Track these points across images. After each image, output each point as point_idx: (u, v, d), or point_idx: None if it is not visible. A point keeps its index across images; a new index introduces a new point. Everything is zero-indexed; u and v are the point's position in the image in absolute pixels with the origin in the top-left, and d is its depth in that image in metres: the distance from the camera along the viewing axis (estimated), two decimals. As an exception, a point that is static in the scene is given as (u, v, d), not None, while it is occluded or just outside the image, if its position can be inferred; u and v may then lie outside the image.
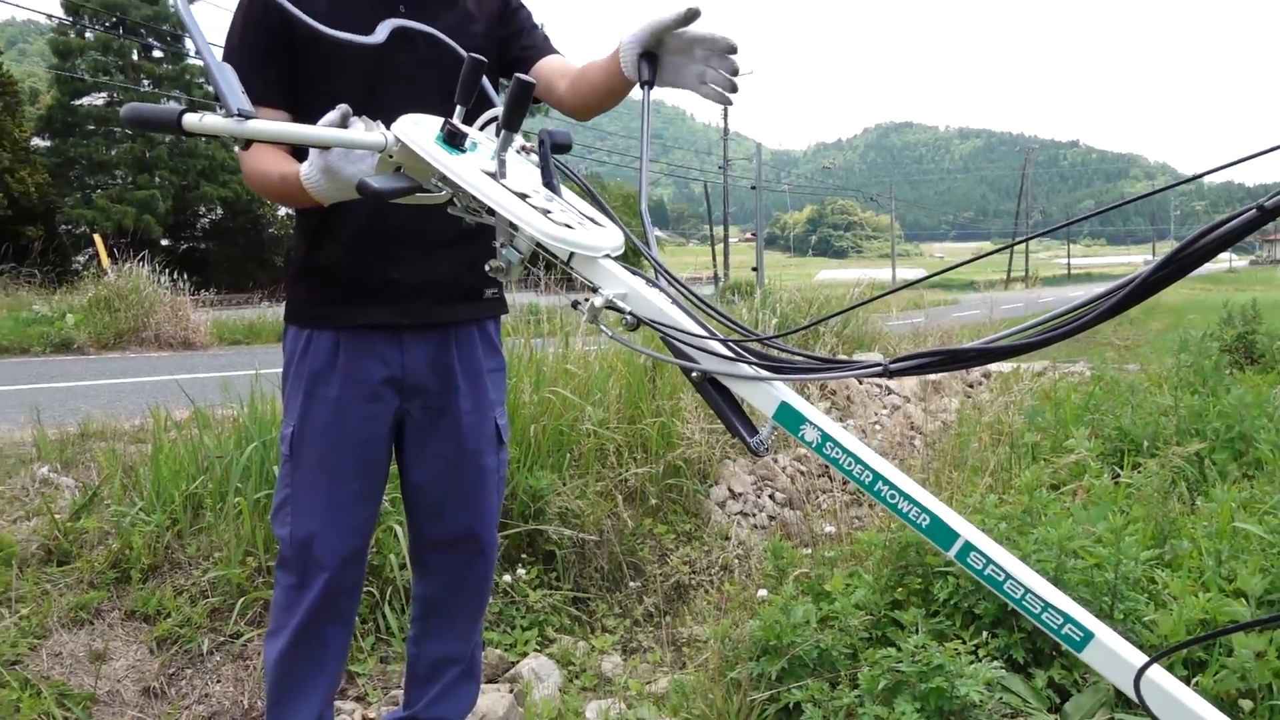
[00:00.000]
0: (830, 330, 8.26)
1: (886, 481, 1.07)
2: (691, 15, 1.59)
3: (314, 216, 1.91)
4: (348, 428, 1.95)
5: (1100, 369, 6.37)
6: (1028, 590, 1.02)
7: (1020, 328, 1.03)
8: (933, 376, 7.86)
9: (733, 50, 1.62)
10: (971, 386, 7.96)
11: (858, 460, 1.09)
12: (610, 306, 1.21)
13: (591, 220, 1.37)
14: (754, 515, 4.89)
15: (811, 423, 1.12)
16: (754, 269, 32.72)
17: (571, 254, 1.25)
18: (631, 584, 3.82)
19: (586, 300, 1.22)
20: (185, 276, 13.51)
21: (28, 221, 29.08)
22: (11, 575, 2.93)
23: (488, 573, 2.21)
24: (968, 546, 1.03)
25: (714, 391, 1.20)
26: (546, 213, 1.27)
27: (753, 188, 39.37)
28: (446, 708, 2.24)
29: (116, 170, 33.94)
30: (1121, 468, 3.72)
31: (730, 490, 4.89)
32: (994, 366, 8.25)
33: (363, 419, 1.96)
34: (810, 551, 3.22)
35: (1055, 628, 1.01)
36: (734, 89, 1.67)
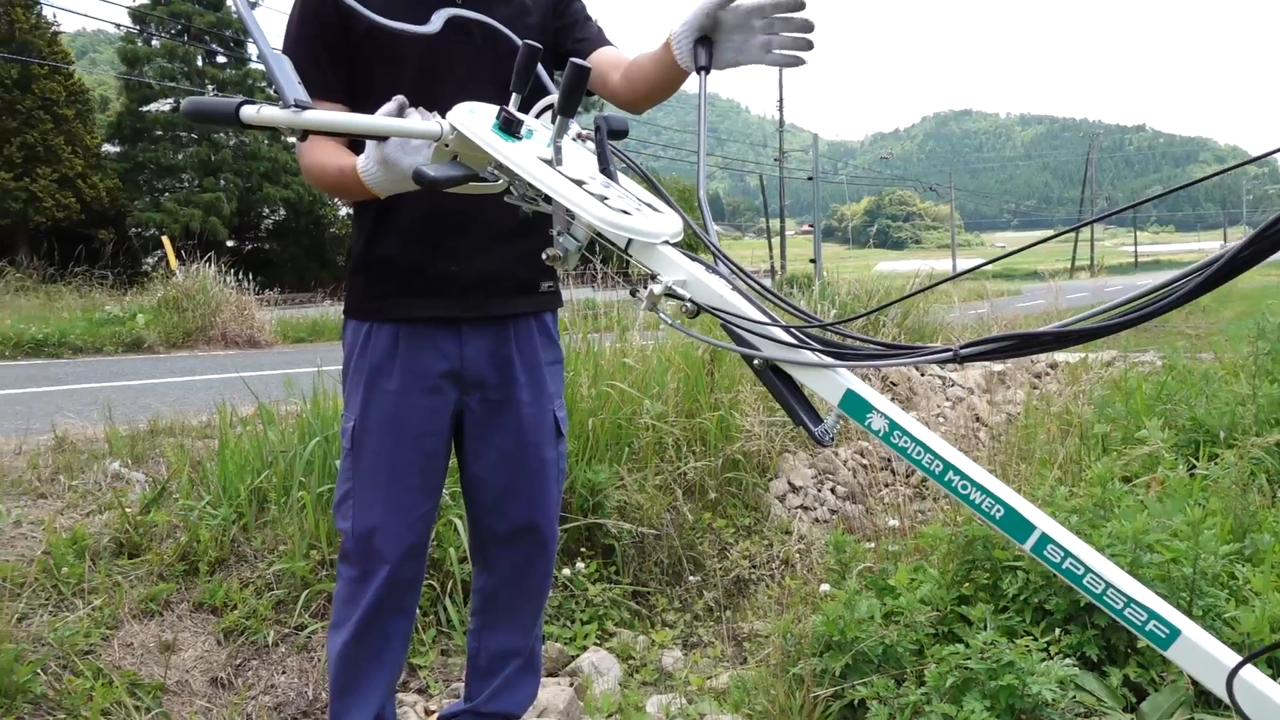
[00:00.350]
0: (892, 321, 8.14)
1: (958, 471, 1.03)
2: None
3: (371, 210, 1.92)
4: (408, 421, 1.95)
5: (1172, 358, 6.18)
6: (1109, 585, 0.97)
7: (1096, 310, 0.98)
8: (997, 367, 7.71)
9: (797, 6, 1.53)
10: (1038, 378, 7.79)
11: (927, 449, 1.05)
12: (669, 294, 1.19)
13: (649, 206, 1.35)
14: (814, 509, 4.84)
15: (879, 411, 1.08)
16: (811, 261, 32.43)
17: (629, 240, 1.23)
18: (691, 578, 3.80)
19: (645, 288, 1.19)
20: (250, 276, 13.77)
21: (99, 225, 29.94)
22: (84, 567, 3.00)
23: (548, 566, 2.21)
24: (1044, 539, 0.99)
25: (777, 380, 1.17)
26: (603, 199, 1.25)
27: (809, 179, 39.03)
28: (507, 701, 2.24)
29: (183, 174, 34.75)
30: (1197, 459, 3.60)
31: (790, 484, 4.83)
32: (1060, 357, 8.07)
33: (422, 412, 1.96)
34: (873, 545, 3.16)
35: (1139, 624, 0.96)
36: (808, 45, 1.57)
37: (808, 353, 1.15)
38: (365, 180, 1.57)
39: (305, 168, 1.82)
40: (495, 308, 1.99)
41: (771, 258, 40.06)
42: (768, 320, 1.18)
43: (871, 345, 1.15)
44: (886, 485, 4.87)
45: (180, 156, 34.55)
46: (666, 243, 1.25)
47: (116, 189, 31.58)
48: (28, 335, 10.95)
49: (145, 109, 34.63)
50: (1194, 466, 3.47)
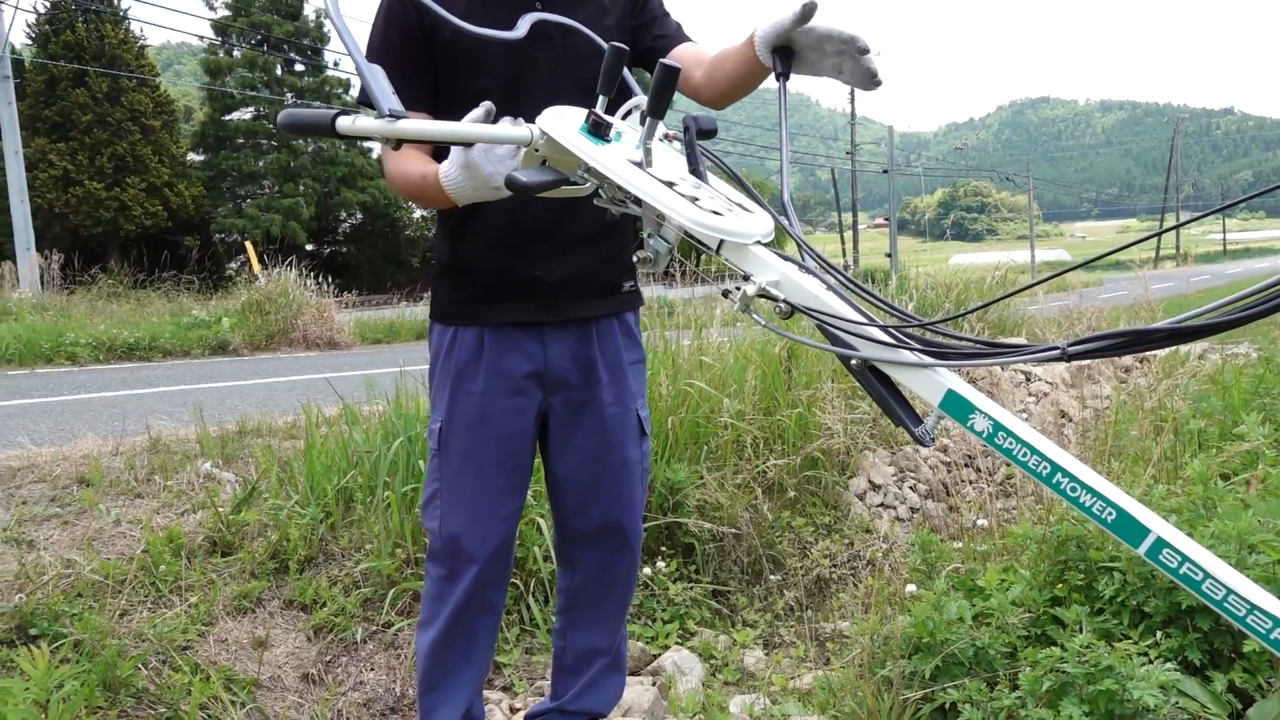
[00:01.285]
0: (976, 316, 7.99)
1: (1066, 473, 1.00)
2: (808, 11, 1.53)
3: (456, 216, 1.94)
4: (493, 422, 1.97)
5: (1269, 350, 5.94)
6: (1230, 591, 0.93)
7: (1214, 305, 0.94)
8: (1083, 362, 7.51)
9: (864, 51, 1.56)
10: (1126, 372, 7.57)
11: (1034, 451, 1.02)
12: (763, 294, 1.18)
13: (740, 206, 1.33)
14: (895, 507, 4.77)
15: (982, 411, 1.05)
16: (887, 255, 31.99)
17: (721, 241, 1.22)
18: (772, 577, 3.77)
19: (738, 289, 1.18)
20: (329, 279, 14.06)
21: (186, 232, 30.89)
22: (180, 565, 3.09)
23: (634, 564, 2.21)
24: (1160, 543, 0.95)
25: (875, 380, 1.15)
26: (694, 200, 1.24)
27: (884, 171, 38.51)
28: (594, 699, 2.25)
29: (264, 180, 35.66)
30: (1300, 456, 3.45)
31: (870, 482, 4.77)
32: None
33: (507, 413, 1.97)
34: (960, 545, 3.09)
35: (1264, 632, 0.92)
36: (875, 82, 1.60)
37: (906, 353, 1.13)
38: (446, 187, 1.59)
39: (389, 174, 1.84)
40: (578, 310, 2.00)
41: (844, 252, 39.62)
42: (864, 320, 1.16)
43: (971, 344, 1.12)
44: (970, 483, 4.78)
45: (261, 163, 35.46)
46: (759, 243, 1.23)
47: (201, 196, 32.54)
48: (120, 340, 11.33)
49: (227, 118, 35.64)
50: (1297, 463, 3.33)
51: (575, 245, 1.97)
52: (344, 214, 38.41)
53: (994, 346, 1.09)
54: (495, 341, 1.96)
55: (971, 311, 1.28)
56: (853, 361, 1.16)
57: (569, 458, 2.06)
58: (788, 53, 1.61)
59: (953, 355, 1.11)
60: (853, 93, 41.56)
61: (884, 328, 1.15)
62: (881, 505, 4.70)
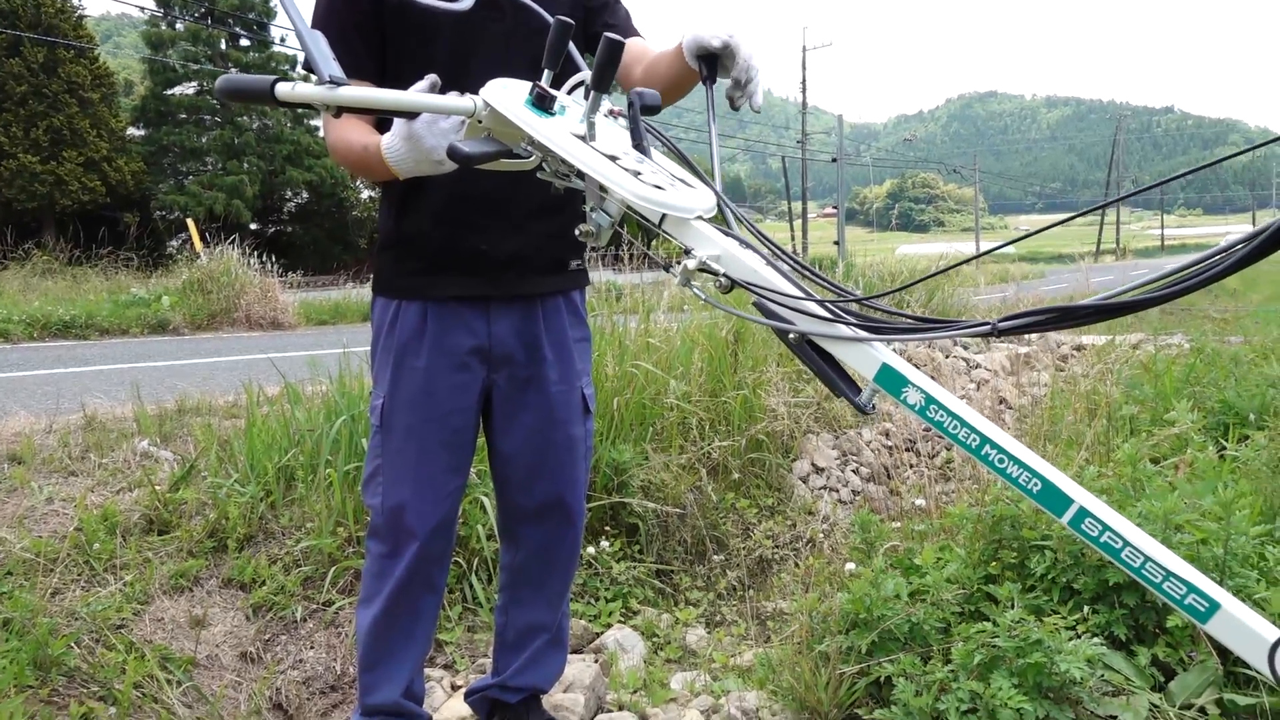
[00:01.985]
0: (917, 303, 8.11)
1: (995, 445, 1.02)
2: (732, 48, 1.62)
3: (400, 189, 1.92)
4: (436, 398, 1.96)
5: (1200, 341, 6.12)
6: (1148, 558, 0.96)
7: (1134, 285, 0.97)
8: (1022, 349, 7.66)
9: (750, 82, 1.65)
10: (1063, 360, 7.73)
11: (964, 424, 1.04)
12: (704, 269, 1.19)
13: (682, 182, 1.34)
14: (838, 490, 4.83)
15: (914, 385, 1.07)
16: (835, 243, 32.29)
17: (663, 216, 1.23)
18: (715, 557, 3.81)
19: (679, 263, 1.19)
20: (273, 259, 13.84)
21: (125, 208, 30.18)
22: (115, 544, 3.04)
23: (576, 542, 2.22)
24: (1083, 512, 0.98)
25: (813, 353, 1.16)
26: (637, 175, 1.25)
27: (833, 160, 38.80)
28: (535, 675, 2.26)
29: (207, 157, 34.93)
30: (1226, 441, 3.56)
31: (813, 464, 4.83)
32: (1086, 339, 8.01)
33: (451, 389, 1.97)
34: (899, 525, 3.15)
35: (1178, 598, 0.96)
36: (753, 107, 1.69)
37: (842, 327, 1.15)
38: (388, 158, 1.58)
39: (331, 144, 1.82)
40: (525, 287, 2.00)
41: (793, 240, 39.88)
42: (803, 295, 1.18)
43: (907, 319, 1.14)
44: (911, 466, 4.86)
45: (204, 140, 34.73)
46: (700, 218, 1.25)
47: (141, 172, 31.79)
48: (55, 317, 11.07)
49: (169, 92, 34.81)
50: (1223, 448, 3.44)
51: (524, 220, 1.96)
52: (289, 193, 37.79)
53: (927, 322, 1.11)
54: (439, 316, 1.95)
55: (906, 287, 1.32)
56: (791, 336, 1.18)
57: (513, 435, 2.06)
58: (712, 59, 1.66)
59: (888, 330, 1.14)
60: (804, 82, 41.78)
61: (822, 303, 1.17)
62: (824, 488, 4.76)
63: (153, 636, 2.73)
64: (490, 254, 1.94)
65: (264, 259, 13.41)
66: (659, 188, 1.25)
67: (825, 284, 1.28)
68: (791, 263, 1.27)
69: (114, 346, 10.33)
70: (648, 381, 4.13)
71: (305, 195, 37.83)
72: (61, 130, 28.56)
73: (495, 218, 1.93)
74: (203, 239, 14.75)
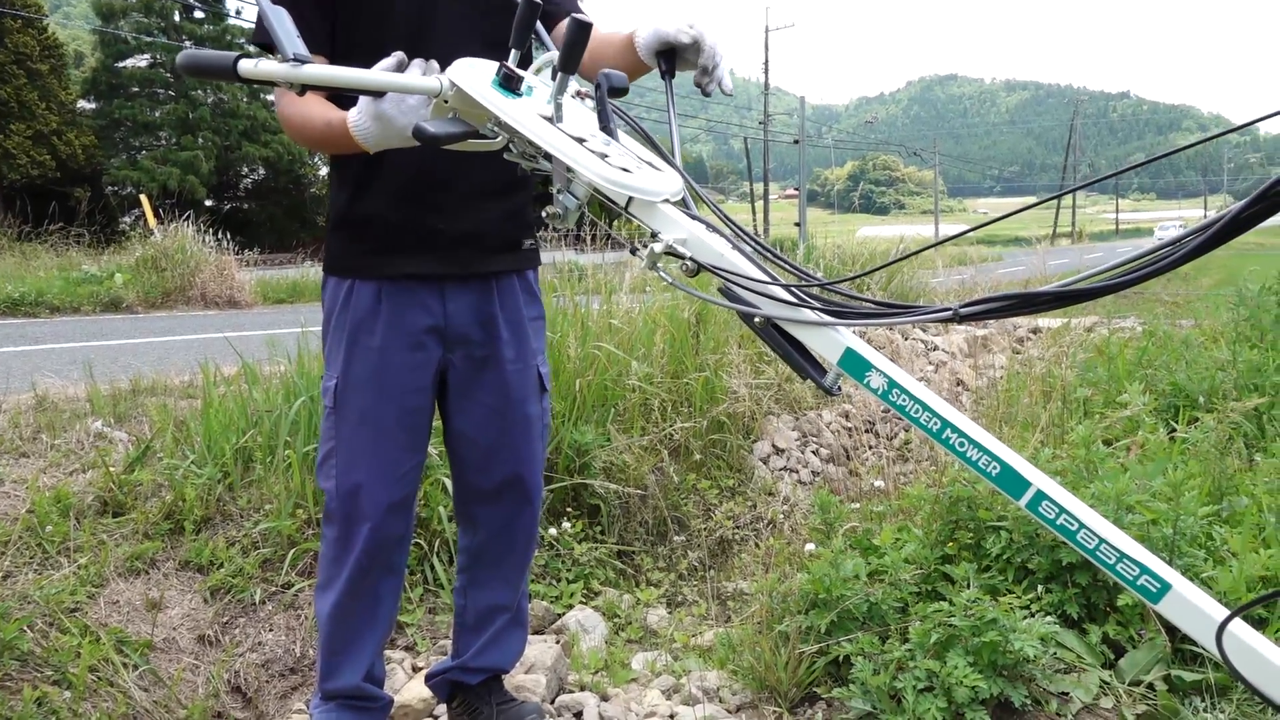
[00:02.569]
0: (877, 285, 8.17)
1: (954, 429, 1.04)
2: (694, 44, 1.62)
3: (354, 165, 1.90)
4: (392, 377, 1.95)
5: (1152, 324, 6.23)
6: (1102, 540, 0.99)
7: (1095, 271, 0.99)
8: (980, 332, 7.75)
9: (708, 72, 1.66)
10: (1020, 343, 7.84)
11: (925, 407, 1.06)
12: (670, 252, 1.19)
13: (649, 165, 1.34)
14: (798, 471, 4.87)
15: (877, 369, 1.09)
16: (796, 224, 32.41)
17: (630, 199, 1.23)
18: (676, 538, 3.83)
19: (645, 245, 1.19)
20: (229, 236, 13.63)
21: (75, 183, 29.50)
22: (69, 526, 2.99)
23: (533, 521, 2.21)
24: (1040, 495, 1.00)
25: (779, 337, 1.17)
26: (604, 157, 1.24)
27: (795, 142, 38.88)
28: (496, 655, 2.25)
29: (160, 131, 34.26)
30: (1177, 423, 3.64)
31: (774, 446, 4.86)
32: (1042, 322, 8.12)
33: (406, 368, 1.95)
34: (858, 506, 3.19)
35: (1131, 579, 0.98)
36: (724, 91, 1.71)
37: (807, 311, 1.16)
38: (356, 134, 1.56)
39: (285, 119, 1.79)
40: (479, 265, 1.98)
41: (755, 222, 39.98)
42: (768, 279, 1.18)
43: (869, 304, 1.16)
44: (870, 448, 4.91)
45: (157, 114, 34.05)
46: (667, 201, 1.25)
47: (92, 146, 31.11)
48: (4, 294, 10.83)
49: (121, 64, 34.06)
50: (1174, 430, 3.51)
51: (478, 199, 1.95)
52: (246, 169, 37.19)
53: (890, 307, 1.12)
54: (394, 295, 1.94)
55: (871, 272, 1.34)
56: (756, 319, 1.18)
57: (470, 414, 2.05)
58: (671, 53, 1.66)
59: (851, 315, 1.15)
60: (767, 63, 41.80)
61: (786, 287, 1.18)
62: (784, 469, 4.80)
63: (108, 620, 2.70)
64: (445, 232, 1.93)
65: (220, 236, 13.20)
66: (626, 170, 1.25)
67: (788, 267, 1.29)
68: (756, 246, 1.28)
69: (65, 324, 10.14)
70: (610, 363, 4.14)
71: (262, 172, 37.25)
72: (9, 102, 27.85)
73: (450, 196, 1.92)
74: (156, 215, 14.48)
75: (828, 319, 1.15)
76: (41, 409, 4.22)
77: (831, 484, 4.61)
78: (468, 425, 2.07)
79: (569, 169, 1.24)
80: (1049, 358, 5.23)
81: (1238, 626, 0.96)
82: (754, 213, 41.20)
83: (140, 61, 34.25)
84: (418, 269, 1.93)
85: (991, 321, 8.46)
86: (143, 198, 16.64)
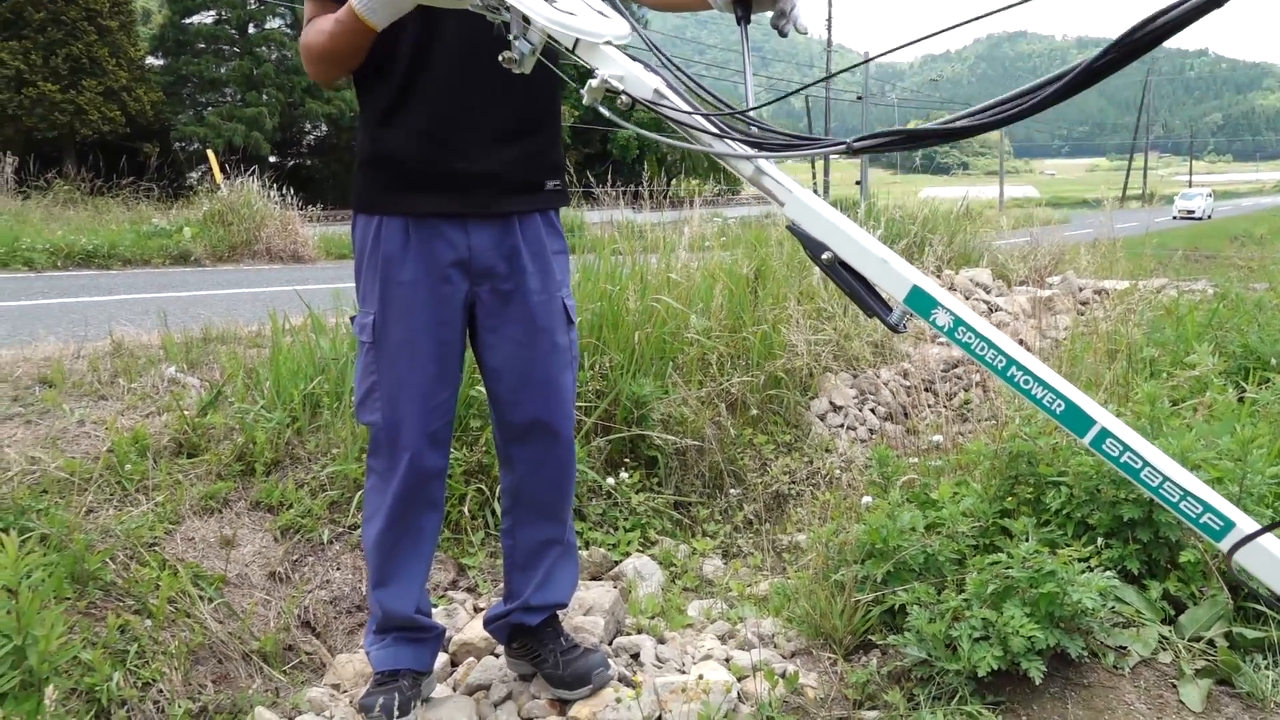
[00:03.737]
0: (940, 242, 8.08)
1: (1020, 367, 1.04)
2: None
3: (377, 108, 1.99)
4: (423, 310, 2.01)
5: (1225, 286, 6.07)
6: (1166, 478, 0.99)
7: (972, 110, 1.10)
8: (1043, 293, 7.62)
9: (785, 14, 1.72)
10: (1084, 305, 7.70)
11: (991, 345, 1.06)
12: (607, 87, 1.32)
13: (598, 12, 1.47)
14: (855, 428, 4.86)
15: (944, 307, 1.09)
16: (857, 183, 31.93)
17: (577, 41, 1.35)
18: (732, 491, 3.86)
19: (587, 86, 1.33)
20: (292, 192, 13.82)
21: (144, 138, 30.06)
22: (147, 465, 3.10)
23: (566, 453, 2.21)
24: (1104, 433, 1.00)
25: (845, 274, 1.20)
26: (552, 2, 1.38)
27: (858, 99, 38.20)
28: (553, 591, 2.28)
29: (226, 88, 34.73)
30: (1246, 385, 3.56)
31: (831, 403, 4.86)
32: (1108, 283, 7.95)
33: (436, 301, 2.01)
34: (915, 462, 3.18)
35: (1194, 516, 0.98)
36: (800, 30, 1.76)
37: (732, 143, 1.31)
38: (361, 11, 1.70)
39: (306, 47, 1.90)
40: (498, 205, 2.03)
41: (814, 181, 39.46)
42: (693, 110, 1.33)
43: (779, 136, 1.29)
44: (929, 406, 4.88)
45: (223, 70, 34.49)
46: (610, 44, 1.37)
47: (160, 102, 31.65)
48: (78, 246, 11.13)
49: (188, 21, 34.50)
50: (1243, 392, 3.44)
51: (498, 141, 2.00)
52: (308, 125, 37.59)
53: (795, 138, 1.28)
54: (420, 231, 2.00)
55: (775, 101, 1.49)
56: (824, 256, 1.20)
57: (499, 348, 2.09)
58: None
59: (767, 146, 1.30)
60: (830, 20, 41.01)
61: (708, 117, 1.32)
62: (842, 426, 4.79)
63: (184, 555, 2.81)
64: (464, 172, 1.98)
65: (283, 191, 13.39)
66: (571, 14, 1.37)
67: (715, 100, 1.42)
68: (694, 87, 1.42)
69: (137, 276, 10.41)
70: (669, 316, 4.15)
71: (324, 128, 37.62)
72: (80, 58, 28.40)
73: (470, 137, 1.98)
74: (223, 170, 14.73)
75: (748, 150, 1.29)
76: (118, 355, 4.36)
77: (889, 441, 4.60)
78: (498, 359, 2.11)
79: (525, 17, 1.36)
80: (1115, 317, 5.13)
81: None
82: (813, 173, 40.66)
83: (206, 18, 34.68)
84: (438, 207, 1.99)
85: (1055, 284, 8.31)
86: (209, 153, 16.92)
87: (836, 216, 1.19)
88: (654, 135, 1.37)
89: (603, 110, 1.34)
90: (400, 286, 2.00)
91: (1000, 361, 1.06)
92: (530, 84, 1.97)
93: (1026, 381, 1.04)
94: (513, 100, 2.00)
